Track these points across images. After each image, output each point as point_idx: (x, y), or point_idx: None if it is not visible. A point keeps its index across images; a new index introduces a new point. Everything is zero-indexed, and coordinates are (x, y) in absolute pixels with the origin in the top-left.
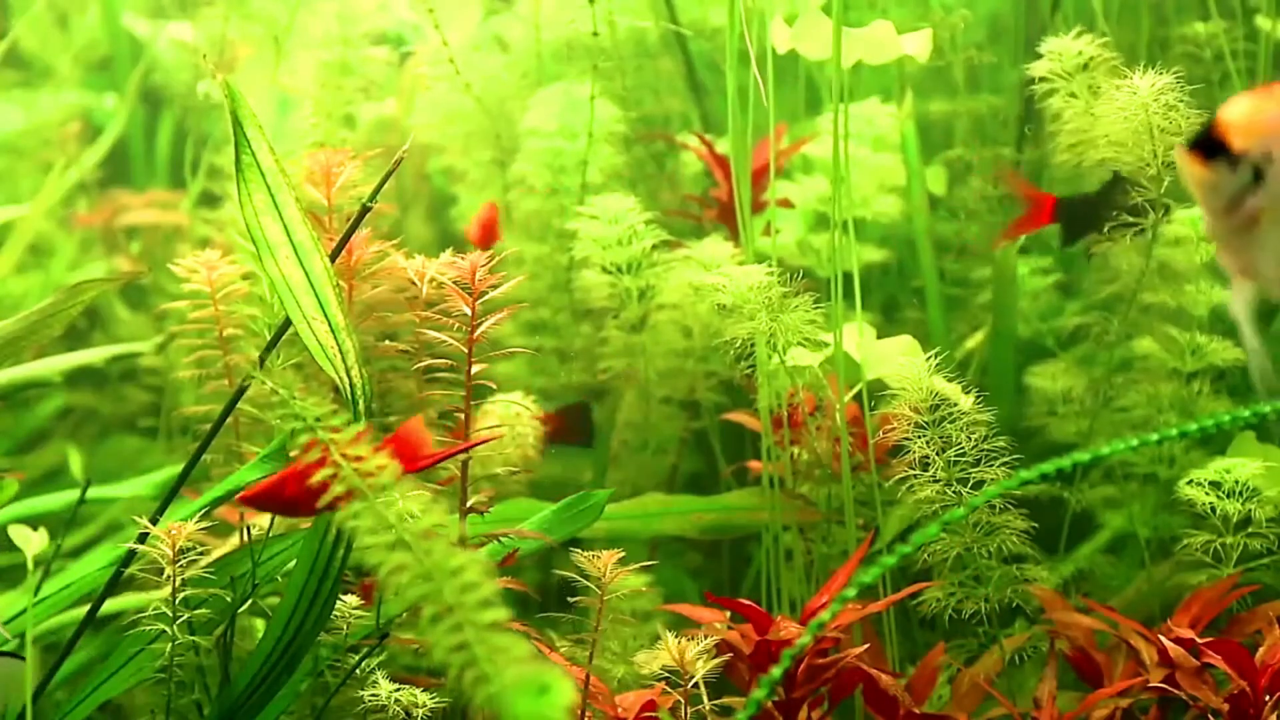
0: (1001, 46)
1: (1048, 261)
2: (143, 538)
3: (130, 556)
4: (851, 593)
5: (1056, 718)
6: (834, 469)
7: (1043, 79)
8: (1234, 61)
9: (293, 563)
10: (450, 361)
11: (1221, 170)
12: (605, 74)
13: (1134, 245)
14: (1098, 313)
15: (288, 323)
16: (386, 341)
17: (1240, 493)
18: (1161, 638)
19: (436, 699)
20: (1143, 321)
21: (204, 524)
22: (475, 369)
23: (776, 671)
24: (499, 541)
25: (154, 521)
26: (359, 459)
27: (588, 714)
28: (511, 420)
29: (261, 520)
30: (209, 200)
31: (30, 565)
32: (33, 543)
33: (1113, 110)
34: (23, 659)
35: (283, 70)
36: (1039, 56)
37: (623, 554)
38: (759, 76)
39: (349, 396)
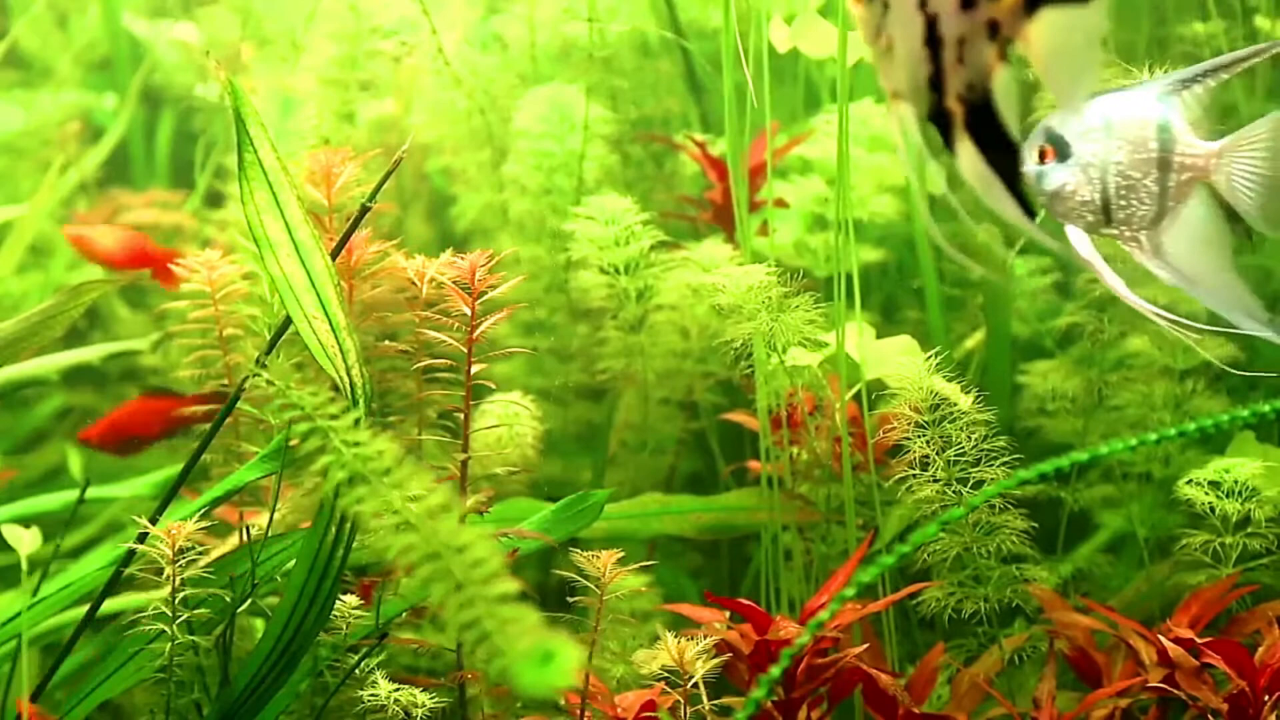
0: None
1: (1046, 261)
2: (142, 537)
3: (129, 556)
4: (850, 592)
5: (1056, 718)
6: (833, 469)
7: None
8: None
9: (292, 562)
10: (450, 361)
11: (864, 5)
12: (602, 73)
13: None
14: (1091, 311)
15: (288, 322)
16: (386, 341)
17: (1239, 492)
18: (1161, 637)
19: (436, 699)
20: (1135, 320)
21: (203, 524)
22: (474, 369)
23: (775, 671)
24: (499, 541)
25: (153, 521)
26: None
27: (587, 714)
28: (510, 420)
29: (260, 520)
30: (213, 200)
31: (24, 565)
32: (24, 542)
33: None
34: None
35: (292, 69)
36: None
37: (622, 554)
38: (749, 76)
39: (349, 396)
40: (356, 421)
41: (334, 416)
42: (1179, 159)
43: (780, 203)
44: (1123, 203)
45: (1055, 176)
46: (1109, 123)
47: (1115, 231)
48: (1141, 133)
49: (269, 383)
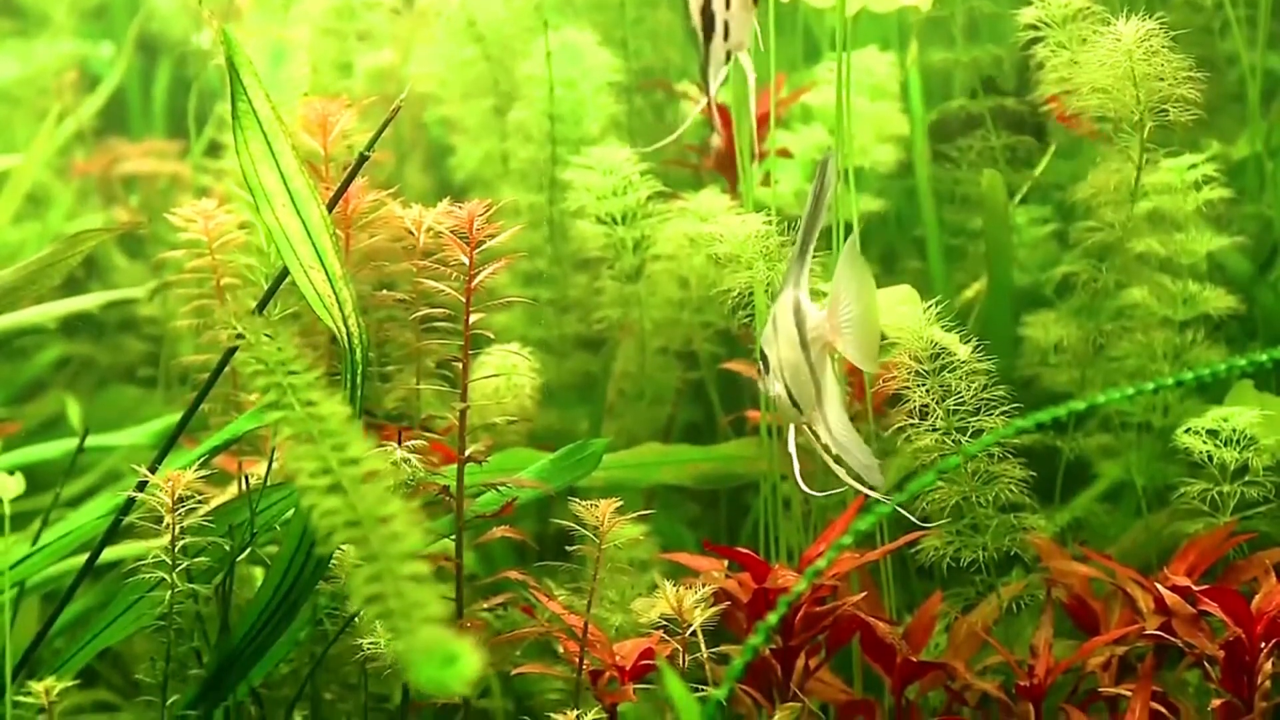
0: None
1: (1046, 211)
2: (141, 486)
3: (129, 505)
4: (848, 540)
5: (1052, 665)
6: None
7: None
8: (1234, 9)
9: (291, 511)
10: (448, 311)
11: None
12: (605, 24)
13: (1120, 193)
14: (1090, 261)
15: (285, 272)
16: (384, 291)
17: (1237, 441)
18: (1158, 585)
19: None
20: (1134, 270)
21: (202, 473)
22: (473, 319)
23: (773, 618)
24: (497, 490)
25: (153, 470)
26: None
27: (585, 662)
28: (508, 370)
29: (259, 469)
30: (211, 149)
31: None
32: (9, 488)
33: (1097, 58)
34: None
35: (287, 17)
36: None
37: (620, 503)
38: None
39: (346, 346)
40: (357, 384)
41: (293, 373)
42: (811, 334)
43: (784, 153)
44: (798, 390)
45: (768, 389)
46: (774, 323)
47: (811, 416)
48: (788, 322)
49: (239, 335)
